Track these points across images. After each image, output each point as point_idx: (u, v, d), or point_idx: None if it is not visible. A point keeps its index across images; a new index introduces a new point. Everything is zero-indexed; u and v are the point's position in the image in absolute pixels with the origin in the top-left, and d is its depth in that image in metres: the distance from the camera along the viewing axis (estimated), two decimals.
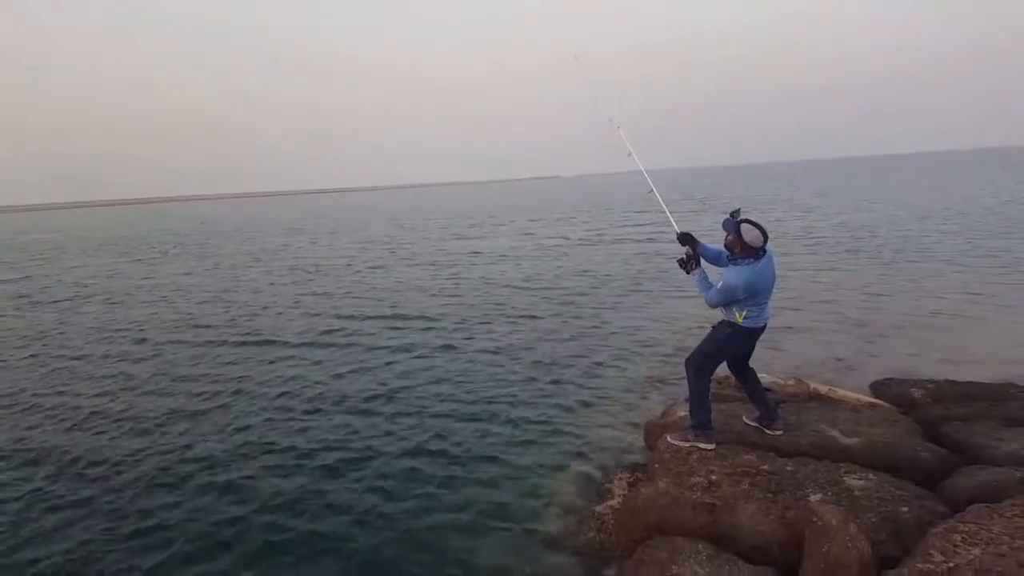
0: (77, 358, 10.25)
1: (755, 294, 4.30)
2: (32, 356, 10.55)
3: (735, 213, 4.35)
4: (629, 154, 5.75)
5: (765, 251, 4.32)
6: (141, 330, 12.10)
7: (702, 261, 4.76)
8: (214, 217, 75.92)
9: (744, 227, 4.26)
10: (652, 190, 5.56)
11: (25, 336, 12.23)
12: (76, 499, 5.44)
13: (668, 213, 5.36)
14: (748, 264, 4.29)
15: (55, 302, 16.24)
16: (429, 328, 10.91)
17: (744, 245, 4.28)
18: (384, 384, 7.95)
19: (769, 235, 4.30)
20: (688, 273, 4.76)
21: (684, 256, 4.77)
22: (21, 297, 17.67)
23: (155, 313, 13.90)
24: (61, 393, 8.42)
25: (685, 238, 4.79)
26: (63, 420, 7.34)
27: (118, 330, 12.29)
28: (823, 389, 5.96)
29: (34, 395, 8.39)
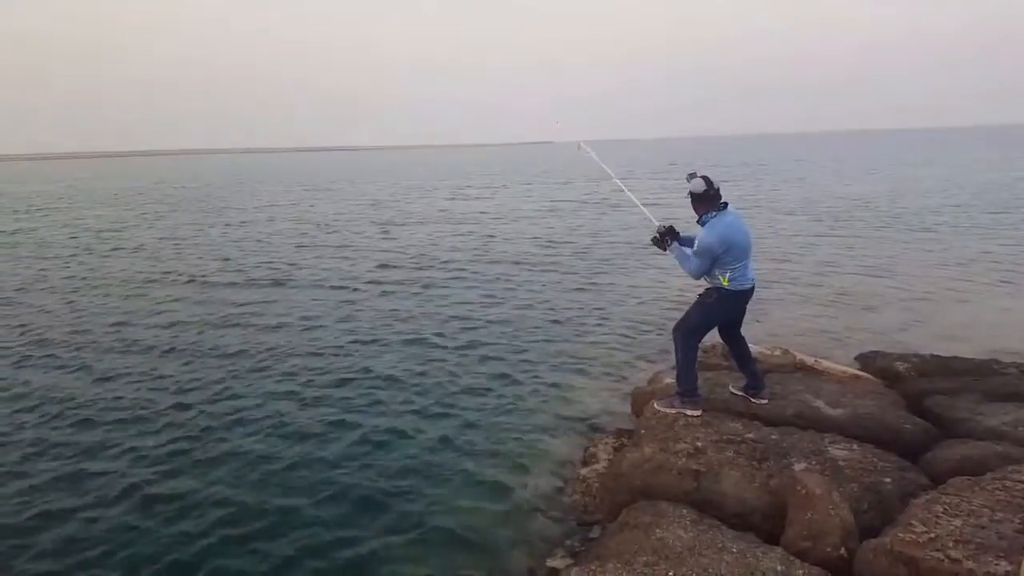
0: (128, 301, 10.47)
1: (731, 248, 4.27)
2: (69, 303, 10.46)
3: (690, 176, 4.40)
4: (611, 178, 5.77)
5: (726, 204, 4.35)
6: (180, 280, 12.18)
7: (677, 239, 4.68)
8: (213, 172, 74.82)
9: (691, 182, 4.35)
10: (637, 205, 5.54)
11: (61, 288, 11.90)
12: (136, 448, 5.42)
13: (645, 210, 5.29)
14: (714, 217, 4.32)
15: (89, 251, 15.99)
16: (411, 288, 10.87)
17: (695, 197, 4.36)
18: (366, 347, 7.93)
19: (718, 186, 4.32)
20: (665, 251, 4.71)
21: (657, 234, 4.69)
22: (43, 245, 17.38)
23: (187, 264, 13.94)
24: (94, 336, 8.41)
25: (665, 233, 4.68)
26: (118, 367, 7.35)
27: (155, 278, 12.39)
28: (809, 360, 5.97)
29: (85, 340, 8.39)
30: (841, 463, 3.87)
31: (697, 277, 4.50)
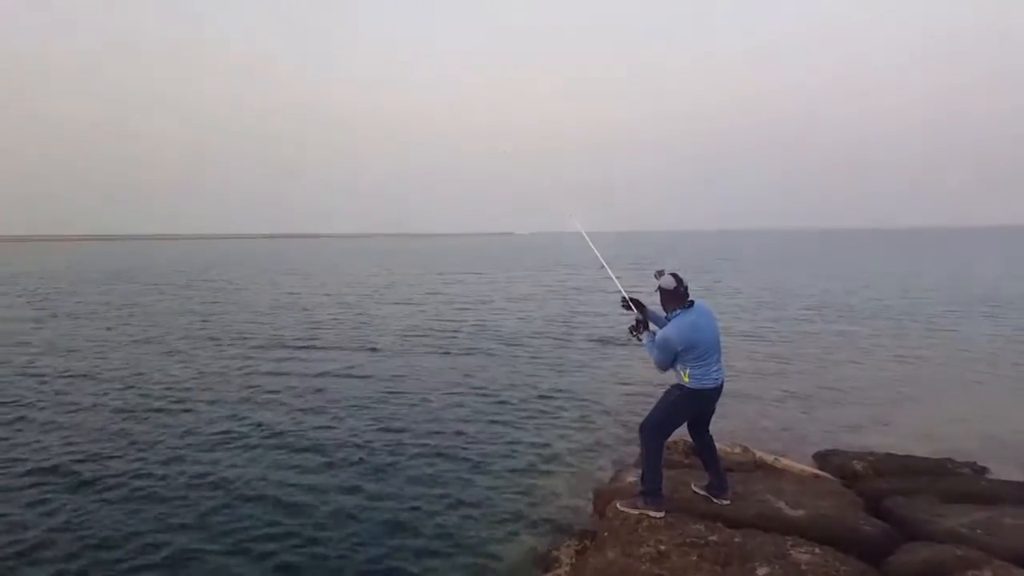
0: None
1: (692, 347, 4.34)
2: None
3: (659, 273, 4.56)
4: (583, 236, 6.19)
5: (692, 302, 4.46)
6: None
7: (651, 326, 4.82)
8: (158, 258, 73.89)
9: (661, 279, 4.48)
10: (603, 265, 5.91)
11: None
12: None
13: (616, 280, 5.50)
14: (678, 315, 4.43)
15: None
16: (367, 374, 10.70)
17: (664, 294, 4.48)
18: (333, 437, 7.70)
19: (687, 284, 4.45)
20: (640, 341, 4.82)
21: (634, 322, 4.85)
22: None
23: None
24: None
25: (632, 303, 4.88)
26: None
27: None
28: (769, 458, 5.99)
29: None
30: (804, 567, 3.81)
31: (662, 370, 4.58)
